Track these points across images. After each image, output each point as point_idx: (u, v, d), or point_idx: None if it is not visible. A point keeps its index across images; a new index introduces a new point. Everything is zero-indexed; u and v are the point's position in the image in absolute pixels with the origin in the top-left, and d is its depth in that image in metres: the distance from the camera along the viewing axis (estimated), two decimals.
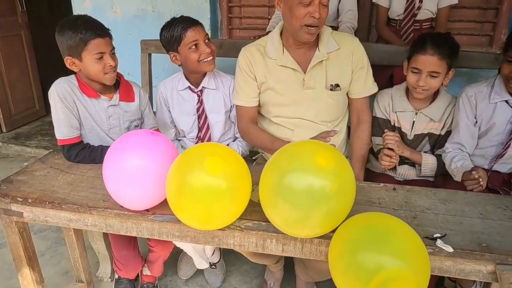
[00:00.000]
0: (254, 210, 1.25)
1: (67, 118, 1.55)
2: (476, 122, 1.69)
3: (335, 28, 2.47)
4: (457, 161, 1.67)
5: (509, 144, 1.65)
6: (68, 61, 1.56)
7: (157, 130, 1.87)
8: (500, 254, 1.11)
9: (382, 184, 1.48)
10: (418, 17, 2.45)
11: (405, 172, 1.80)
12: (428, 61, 1.56)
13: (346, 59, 1.71)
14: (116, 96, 1.68)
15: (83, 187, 1.42)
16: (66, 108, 1.55)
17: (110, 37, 1.59)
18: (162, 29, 1.79)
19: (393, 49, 2.12)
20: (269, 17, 2.87)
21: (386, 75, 2.35)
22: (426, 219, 1.27)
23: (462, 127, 1.70)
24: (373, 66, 1.79)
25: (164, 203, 1.22)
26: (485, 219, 1.28)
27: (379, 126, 1.77)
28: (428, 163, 1.73)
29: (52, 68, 3.20)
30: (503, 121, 1.64)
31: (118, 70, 1.66)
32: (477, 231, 1.21)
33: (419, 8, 2.42)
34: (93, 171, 1.53)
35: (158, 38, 2.25)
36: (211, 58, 1.78)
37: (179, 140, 2.03)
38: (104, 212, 1.30)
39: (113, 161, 1.16)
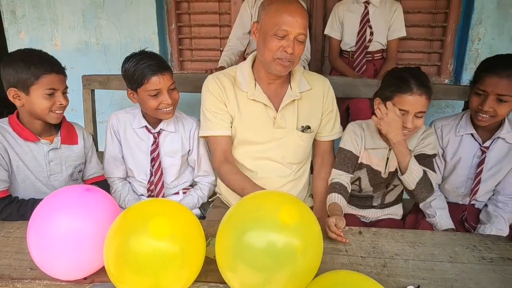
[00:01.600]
0: (210, 270, 1.11)
1: None
2: (443, 152, 1.70)
3: None
4: (436, 204, 1.66)
5: (479, 180, 1.64)
6: (12, 93, 1.40)
7: (102, 177, 1.70)
8: None
9: (347, 228, 1.39)
10: (370, 49, 2.47)
11: (372, 215, 1.72)
12: (417, 101, 1.41)
13: (317, 101, 1.63)
14: (58, 138, 1.51)
15: (6, 252, 1.20)
16: None
17: (65, 75, 1.48)
18: (126, 61, 1.62)
19: (348, 81, 2.09)
20: (221, 49, 2.80)
21: (342, 108, 2.32)
22: (396, 266, 1.18)
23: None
24: None
25: (104, 268, 1.04)
26: (455, 262, 1.21)
27: (344, 159, 1.60)
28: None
29: None
30: (469, 154, 1.64)
31: None
32: (449, 278, 1.14)
33: (370, 40, 2.44)
34: (21, 231, 1.32)
35: (102, 73, 2.12)
36: (171, 108, 1.64)
37: (129, 181, 1.84)
38: (31, 284, 1.09)
39: (38, 225, 0.98)
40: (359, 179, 1.65)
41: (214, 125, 1.60)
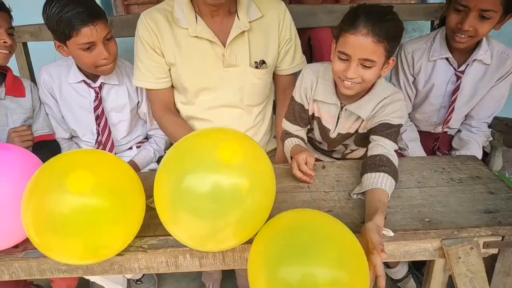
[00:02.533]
0: (158, 223, 1.00)
1: None
2: (414, 80, 1.55)
3: None
4: (406, 137, 1.55)
5: (453, 108, 1.51)
6: None
7: (51, 136, 1.58)
8: (444, 228, 0.97)
9: None
10: None
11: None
12: (360, 44, 1.09)
13: (271, 30, 1.43)
14: (2, 89, 1.45)
15: None
16: None
17: (9, 15, 1.43)
18: (47, 5, 1.35)
19: (306, 9, 1.92)
20: None
21: (304, 40, 2.15)
22: (361, 198, 1.10)
23: (403, 89, 1.55)
24: None
25: None
26: (423, 187, 1.14)
27: (293, 111, 1.38)
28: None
29: None
30: (443, 80, 1.50)
31: None
32: (416, 203, 1.07)
33: None
34: None
35: (33, 23, 1.87)
36: (110, 63, 1.43)
37: (76, 142, 1.68)
38: None
39: None
40: (312, 129, 1.48)
41: (148, 78, 1.43)
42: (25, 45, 1.93)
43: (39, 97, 1.56)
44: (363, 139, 1.35)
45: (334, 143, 1.44)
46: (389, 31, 1.10)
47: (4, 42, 1.35)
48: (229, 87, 1.43)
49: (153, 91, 1.46)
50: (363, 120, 1.28)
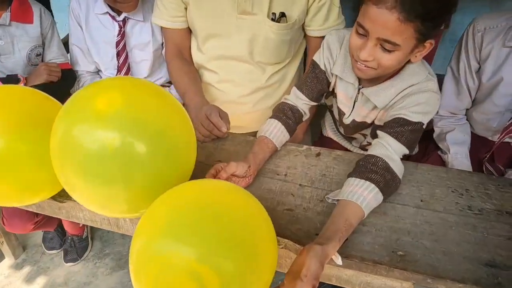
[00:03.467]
0: None
1: None
2: (480, 68, 1.18)
3: None
4: (451, 137, 1.22)
5: None
6: None
7: (66, 64, 1.55)
8: (415, 271, 0.73)
9: (304, 147, 1.09)
10: None
11: (357, 151, 1.33)
12: (382, 19, 0.80)
13: None
14: (7, 14, 1.39)
15: None
16: None
17: None
18: None
19: None
20: None
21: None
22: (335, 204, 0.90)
23: (462, 78, 1.21)
24: None
25: None
26: (423, 209, 0.89)
27: (311, 76, 1.10)
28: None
29: None
30: None
31: None
32: (400, 228, 0.83)
33: None
34: None
35: None
36: (130, 2, 1.38)
37: (101, 76, 1.68)
38: None
39: None
40: (331, 106, 1.23)
41: (163, 14, 1.31)
42: None
43: (52, 23, 1.52)
44: None
45: (349, 130, 1.20)
46: (427, 8, 0.78)
47: None
48: (239, 37, 1.24)
49: (168, 30, 1.36)
50: (378, 110, 1.03)
